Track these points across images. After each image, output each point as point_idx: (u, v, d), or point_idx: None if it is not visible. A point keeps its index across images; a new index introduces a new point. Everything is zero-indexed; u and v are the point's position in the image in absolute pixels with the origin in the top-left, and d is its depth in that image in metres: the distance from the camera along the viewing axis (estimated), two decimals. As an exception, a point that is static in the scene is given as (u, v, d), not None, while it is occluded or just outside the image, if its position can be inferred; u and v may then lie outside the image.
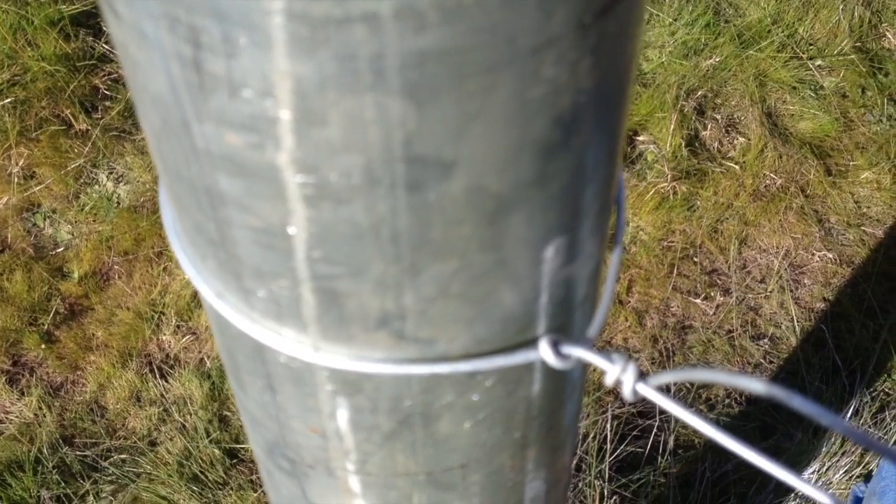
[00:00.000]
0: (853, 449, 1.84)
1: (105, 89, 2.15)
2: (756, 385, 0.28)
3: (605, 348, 2.06)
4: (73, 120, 2.10)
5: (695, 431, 1.87)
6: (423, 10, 0.23)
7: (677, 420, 1.84)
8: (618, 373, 0.29)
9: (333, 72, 0.24)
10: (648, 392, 0.31)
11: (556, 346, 0.31)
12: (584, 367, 0.44)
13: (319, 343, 0.33)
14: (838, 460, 1.84)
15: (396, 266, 0.30)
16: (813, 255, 2.17)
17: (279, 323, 0.33)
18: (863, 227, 2.19)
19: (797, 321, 2.06)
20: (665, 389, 1.91)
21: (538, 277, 0.33)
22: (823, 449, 1.85)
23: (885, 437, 1.85)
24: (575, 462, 1.76)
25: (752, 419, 1.93)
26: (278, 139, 0.26)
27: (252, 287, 0.32)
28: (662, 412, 1.82)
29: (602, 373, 0.32)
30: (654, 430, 1.82)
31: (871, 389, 1.98)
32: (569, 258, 0.34)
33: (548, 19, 0.24)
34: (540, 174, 0.29)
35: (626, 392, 0.32)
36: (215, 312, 0.36)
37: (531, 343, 0.34)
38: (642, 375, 0.32)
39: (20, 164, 2.10)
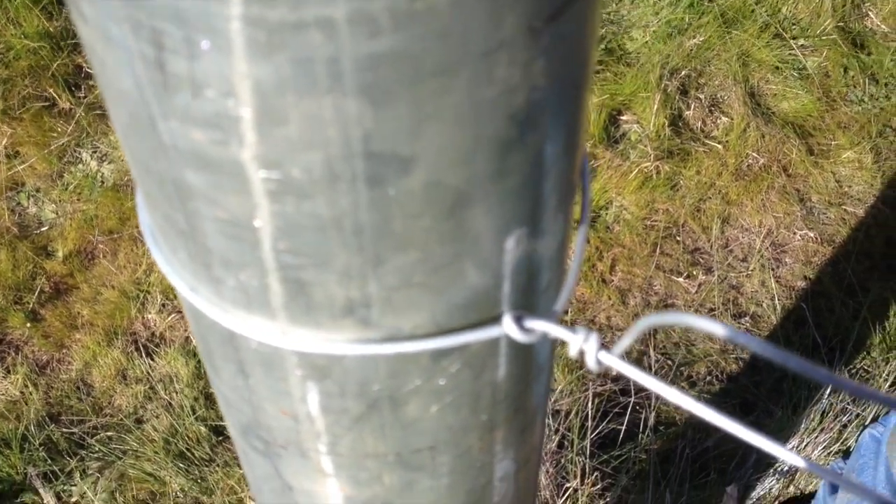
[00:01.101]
0: (832, 426, 1.88)
1: (88, 68, 2.14)
2: (717, 328, 0.29)
3: (588, 327, 2.08)
4: (56, 98, 2.09)
5: (676, 408, 1.90)
6: (376, 15, 0.24)
7: (657, 397, 1.87)
8: (580, 343, 0.30)
9: (291, 74, 0.25)
10: (611, 360, 0.32)
11: (519, 320, 0.32)
12: (551, 349, 0.45)
13: (288, 329, 0.34)
14: (817, 437, 1.87)
15: (360, 257, 0.31)
16: (794, 233, 2.19)
17: (248, 311, 0.34)
18: (844, 207, 2.22)
19: (778, 299, 2.08)
20: (642, 364, 1.93)
21: (500, 266, 0.34)
22: (802, 426, 1.88)
23: (864, 413, 1.88)
24: (557, 439, 1.79)
25: (733, 396, 1.96)
26: (241, 136, 0.27)
27: (221, 276, 0.33)
28: (641, 389, 1.85)
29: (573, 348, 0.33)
30: (635, 407, 1.85)
31: (850, 367, 2.01)
32: (531, 247, 0.35)
33: (498, 24, 0.25)
34: (497, 169, 0.30)
35: (590, 362, 0.33)
36: (187, 302, 0.37)
37: (495, 322, 0.35)
38: (605, 346, 0.33)
39: (3, 143, 2.09)
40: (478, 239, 0.32)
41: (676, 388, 0.30)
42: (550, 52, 0.28)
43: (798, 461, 0.32)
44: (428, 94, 0.26)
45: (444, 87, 0.26)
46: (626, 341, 0.31)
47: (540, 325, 0.32)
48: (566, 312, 2.00)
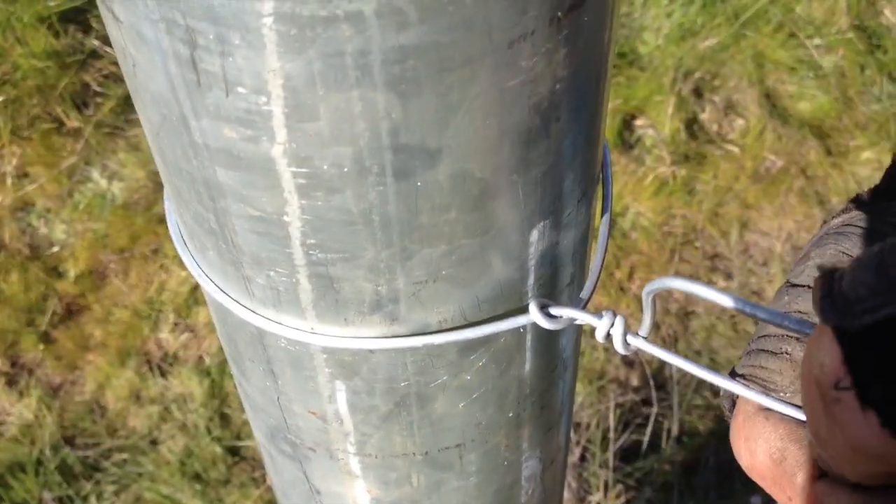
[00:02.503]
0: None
1: (96, 86, 2.16)
2: (725, 299, 0.29)
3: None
4: (64, 117, 2.11)
5: (699, 417, 1.89)
6: (404, 7, 0.24)
7: (681, 406, 1.86)
8: (607, 327, 0.31)
9: (321, 68, 0.26)
10: (639, 342, 0.33)
11: (544, 308, 0.33)
12: (576, 343, 0.46)
13: (317, 326, 0.35)
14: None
15: (388, 251, 0.31)
16: (813, 237, 2.18)
17: (278, 309, 0.35)
18: (860, 208, 2.21)
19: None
20: (663, 374, 1.93)
21: (525, 259, 0.35)
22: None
23: None
24: (579, 452, 1.78)
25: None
26: (272, 132, 0.28)
27: (251, 275, 0.34)
28: (663, 399, 1.84)
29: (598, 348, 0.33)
30: (658, 417, 1.84)
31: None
32: (554, 239, 0.35)
33: (522, 15, 0.26)
34: (522, 160, 0.31)
35: (617, 345, 0.33)
36: (216, 302, 0.38)
37: (521, 313, 0.35)
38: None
39: (13, 163, 2.11)
40: (503, 231, 0.33)
41: (705, 368, 0.30)
42: (572, 42, 0.28)
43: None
44: (454, 84, 0.27)
45: (470, 78, 0.27)
46: (647, 320, 0.32)
47: (566, 312, 0.33)
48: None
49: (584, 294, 0.37)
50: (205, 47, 0.26)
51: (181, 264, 2.12)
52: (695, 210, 2.18)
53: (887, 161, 2.21)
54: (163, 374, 2.02)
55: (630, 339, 0.30)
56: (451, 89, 0.27)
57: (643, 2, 2.43)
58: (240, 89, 0.27)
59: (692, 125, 2.27)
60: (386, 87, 0.26)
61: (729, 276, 2.11)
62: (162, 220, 2.12)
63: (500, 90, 0.28)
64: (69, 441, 1.91)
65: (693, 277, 2.17)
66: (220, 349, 2.08)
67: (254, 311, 0.36)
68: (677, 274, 2.09)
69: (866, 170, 2.24)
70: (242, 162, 0.29)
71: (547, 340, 0.40)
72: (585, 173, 0.35)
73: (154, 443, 1.95)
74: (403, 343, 0.34)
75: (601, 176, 0.38)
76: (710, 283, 2.10)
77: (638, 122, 2.29)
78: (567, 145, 0.32)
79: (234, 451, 1.96)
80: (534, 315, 0.33)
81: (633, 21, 2.40)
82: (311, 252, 0.32)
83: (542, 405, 0.44)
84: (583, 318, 0.32)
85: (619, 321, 0.30)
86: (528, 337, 0.39)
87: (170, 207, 0.37)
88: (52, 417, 1.92)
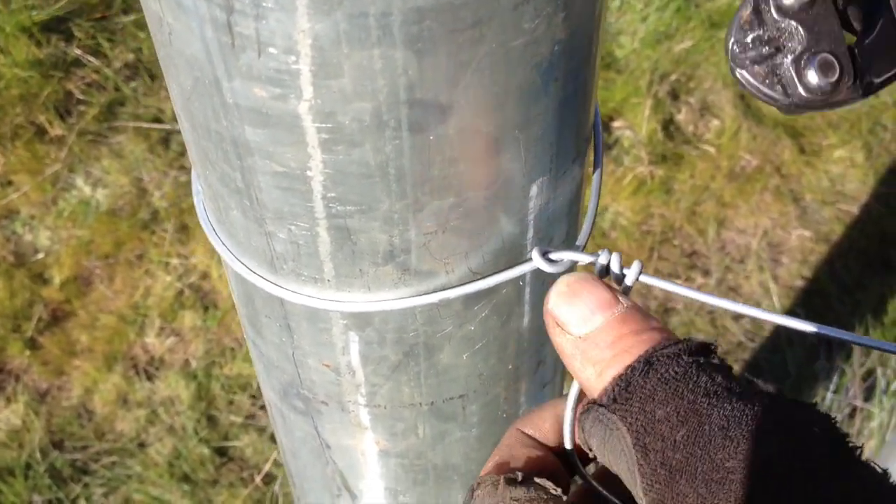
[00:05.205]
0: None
1: (79, 94, 2.17)
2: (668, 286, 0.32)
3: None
4: (48, 126, 2.12)
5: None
6: (424, -30, 0.27)
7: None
8: (605, 262, 0.34)
9: (347, 28, 0.29)
10: (634, 272, 0.35)
11: (545, 255, 0.36)
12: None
13: (333, 280, 0.38)
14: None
15: (401, 202, 0.34)
16: (790, 233, 2.23)
17: (297, 262, 0.38)
18: (838, 205, 2.27)
19: (777, 299, 2.12)
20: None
21: (525, 213, 0.38)
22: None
23: (872, 410, 1.92)
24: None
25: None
26: (300, 90, 0.31)
27: (273, 230, 0.37)
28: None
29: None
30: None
31: (850, 362, 2.05)
32: (551, 195, 0.38)
33: (526, -23, 0.29)
34: (524, 117, 0.34)
35: (615, 277, 0.35)
36: (236, 264, 0.40)
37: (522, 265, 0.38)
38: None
39: (-3, 172, 2.11)
40: (506, 185, 0.36)
41: (706, 294, 0.34)
42: (569, 7, 0.31)
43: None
44: (465, 44, 0.30)
45: (479, 38, 0.30)
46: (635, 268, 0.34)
47: (565, 255, 0.36)
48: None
49: (580, 241, 0.40)
50: (240, 11, 0.29)
51: (166, 269, 2.14)
52: (672, 209, 2.23)
53: (859, 159, 2.28)
54: (149, 378, 2.03)
55: (626, 271, 0.33)
56: (462, 48, 0.30)
57: (619, 6, 2.48)
58: (271, 49, 0.30)
59: (669, 126, 2.32)
60: (404, 45, 0.29)
61: (707, 273, 2.15)
62: (146, 226, 2.14)
63: (505, 50, 0.31)
64: (57, 445, 1.91)
65: (671, 275, 2.21)
66: (207, 352, 2.10)
67: (276, 284, 0.38)
68: (656, 272, 2.13)
69: (839, 167, 2.30)
70: (270, 119, 0.32)
71: (543, 295, 0.43)
72: (579, 133, 0.38)
73: (142, 445, 1.95)
74: (414, 293, 0.37)
75: (593, 139, 0.41)
76: (687, 279, 2.14)
77: (616, 124, 2.34)
78: (564, 104, 0.35)
79: (222, 452, 1.97)
80: (536, 261, 0.36)
81: (610, 25, 2.45)
82: (331, 205, 0.35)
83: (538, 360, 0.47)
84: (581, 258, 0.35)
85: (615, 257, 0.33)
86: (527, 290, 0.42)
87: (196, 175, 0.40)
88: (40, 422, 1.93)
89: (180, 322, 2.08)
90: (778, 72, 0.32)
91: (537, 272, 0.41)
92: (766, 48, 0.32)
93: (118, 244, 2.09)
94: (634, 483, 0.29)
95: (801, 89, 0.32)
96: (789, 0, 0.31)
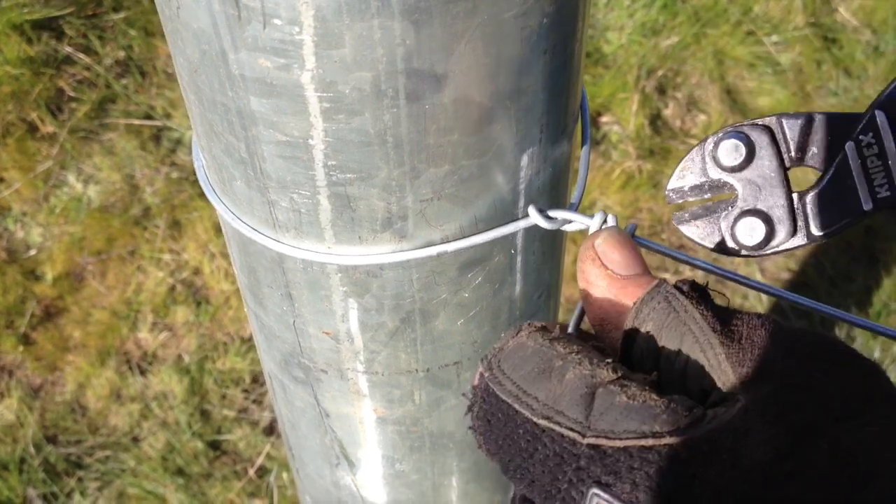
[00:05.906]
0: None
1: (71, 91, 2.18)
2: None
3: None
4: (39, 123, 2.13)
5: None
6: (420, -56, 0.29)
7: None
8: (599, 223, 0.36)
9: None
10: (632, 235, 0.37)
11: (542, 212, 0.38)
12: (558, 276, 0.51)
13: (333, 246, 0.39)
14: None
15: (399, 170, 0.36)
16: (774, 226, 2.25)
17: (298, 230, 0.39)
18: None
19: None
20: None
21: (517, 182, 0.40)
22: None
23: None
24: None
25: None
26: (302, 60, 0.32)
27: (276, 199, 0.38)
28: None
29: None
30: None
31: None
32: (541, 166, 0.40)
33: (517, -50, 0.31)
34: (514, 88, 0.36)
35: None
36: (237, 233, 0.42)
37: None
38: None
39: (-12, 169, 2.12)
40: (498, 154, 0.38)
41: (691, 257, 0.36)
42: (556, -19, 0.33)
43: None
44: (459, 14, 0.32)
45: (472, 9, 0.32)
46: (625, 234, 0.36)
47: (561, 214, 0.38)
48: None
49: (573, 201, 0.42)
50: (247, -17, 0.30)
51: (158, 265, 2.15)
52: (660, 203, 2.26)
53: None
54: (142, 373, 2.04)
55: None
56: (457, 19, 0.32)
57: (606, 2, 2.50)
58: (276, 21, 0.31)
59: (656, 121, 2.35)
60: (402, 15, 0.31)
61: (694, 267, 2.17)
62: (138, 222, 2.15)
63: (497, 21, 0.33)
64: (51, 440, 1.92)
65: (660, 268, 2.23)
66: (199, 347, 2.11)
67: (276, 236, 0.40)
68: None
69: (824, 161, 2.32)
70: (275, 89, 0.34)
71: (534, 264, 0.45)
72: (567, 107, 0.40)
73: (136, 439, 1.97)
74: (411, 256, 0.39)
75: (580, 115, 0.43)
76: (675, 272, 2.17)
77: (603, 119, 2.36)
78: (552, 77, 0.37)
79: (215, 446, 1.99)
80: (534, 217, 0.38)
81: (597, 21, 2.48)
82: (331, 173, 0.36)
83: (530, 330, 0.49)
84: (576, 217, 0.37)
85: (610, 218, 0.35)
86: (519, 259, 0.44)
87: (198, 148, 0.41)
88: (34, 417, 1.94)
89: (173, 317, 2.09)
90: (713, 229, 0.37)
91: (527, 243, 0.43)
92: (704, 207, 0.37)
93: (110, 240, 2.10)
94: (707, 356, 0.31)
95: (734, 245, 0.38)
96: (726, 160, 0.35)
